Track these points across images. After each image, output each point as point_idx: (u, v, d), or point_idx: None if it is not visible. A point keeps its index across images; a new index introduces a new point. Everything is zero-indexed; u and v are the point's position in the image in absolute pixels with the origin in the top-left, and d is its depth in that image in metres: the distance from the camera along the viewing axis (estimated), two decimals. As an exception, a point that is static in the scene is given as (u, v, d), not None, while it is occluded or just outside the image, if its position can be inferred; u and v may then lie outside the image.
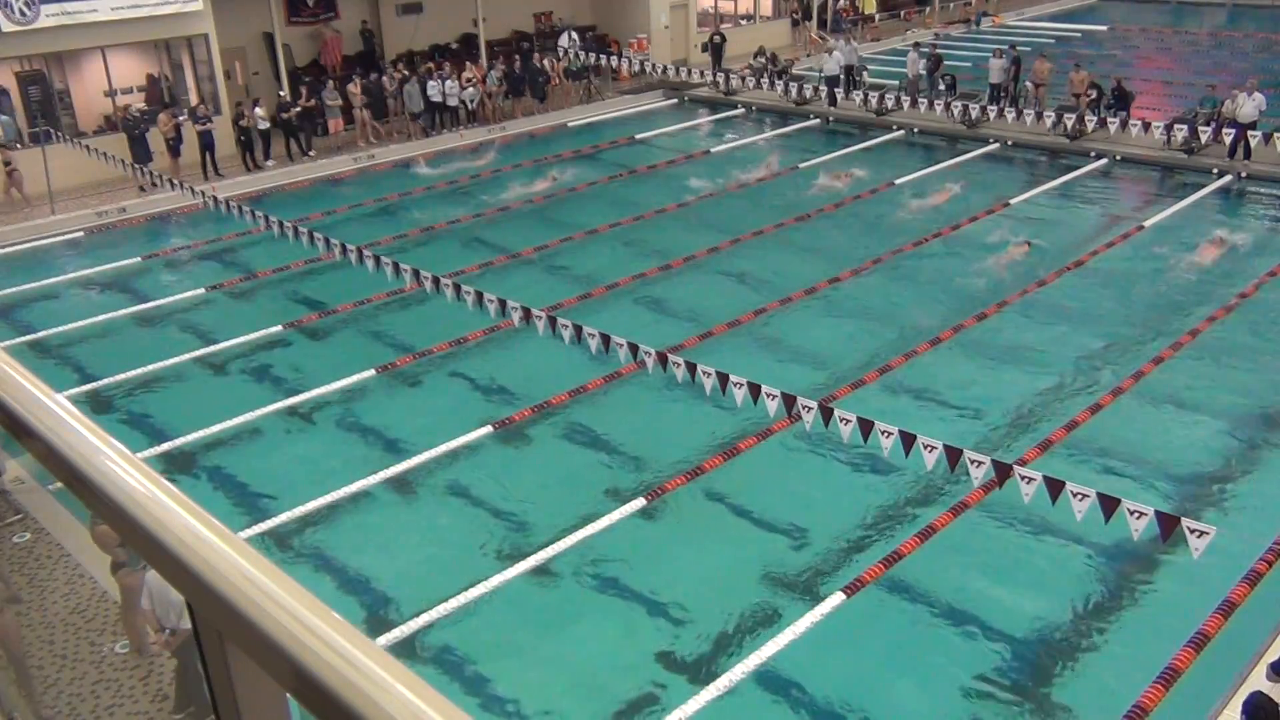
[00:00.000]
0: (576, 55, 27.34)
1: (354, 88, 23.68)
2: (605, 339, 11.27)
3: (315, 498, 10.66)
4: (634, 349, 11.18)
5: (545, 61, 26.83)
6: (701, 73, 27.38)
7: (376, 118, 24.26)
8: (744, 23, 34.02)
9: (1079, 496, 8.69)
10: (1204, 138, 21.08)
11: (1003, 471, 9.14)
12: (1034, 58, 25.76)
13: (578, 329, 11.53)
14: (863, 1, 34.42)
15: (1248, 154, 20.73)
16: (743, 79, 27.94)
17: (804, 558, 9.79)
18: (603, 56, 27.71)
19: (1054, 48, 33.98)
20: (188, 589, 1.10)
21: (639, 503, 10.53)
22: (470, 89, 24.72)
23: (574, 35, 28.12)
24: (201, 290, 16.53)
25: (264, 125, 22.09)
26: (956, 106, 23.63)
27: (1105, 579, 9.49)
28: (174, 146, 21.03)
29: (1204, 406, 12.41)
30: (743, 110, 27.31)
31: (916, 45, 27.28)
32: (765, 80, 27.16)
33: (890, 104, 25.44)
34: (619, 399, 12.89)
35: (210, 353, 14.24)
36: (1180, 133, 21.59)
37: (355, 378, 13.25)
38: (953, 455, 9.27)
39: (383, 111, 24.33)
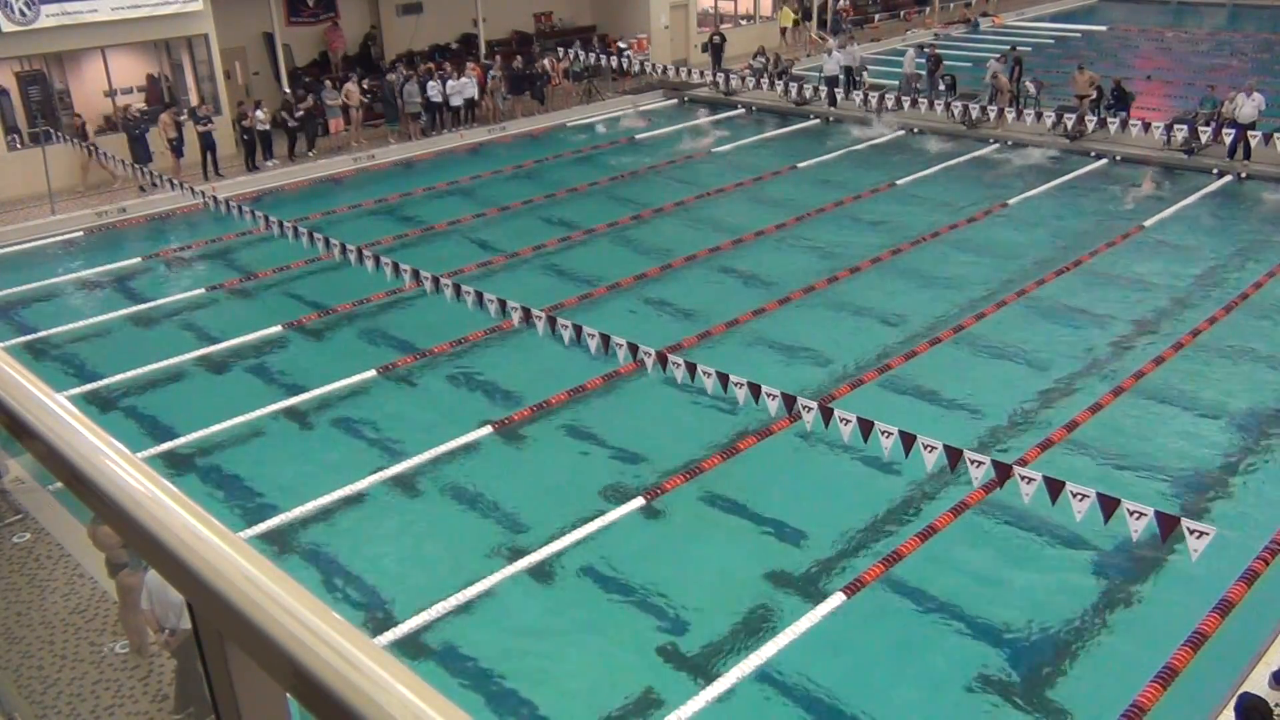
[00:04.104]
0: (577, 56, 27.36)
1: (351, 86, 23.66)
2: (605, 339, 11.27)
3: (315, 498, 10.67)
4: (634, 349, 11.18)
5: (545, 61, 26.84)
6: (701, 73, 27.38)
7: (389, 118, 24.26)
8: (744, 23, 34.02)
9: (1079, 496, 8.69)
10: (1204, 138, 21.09)
11: (1003, 471, 9.15)
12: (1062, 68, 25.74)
13: (578, 329, 11.54)
14: (779, 15, 33.97)
15: (1248, 154, 20.74)
16: (743, 79, 27.94)
17: (804, 557, 9.79)
18: (603, 56, 27.73)
19: (1054, 48, 34.05)
20: (188, 589, 1.10)
21: (639, 502, 10.53)
22: (466, 79, 24.65)
23: (623, 44, 28.45)
24: (201, 290, 16.52)
25: (264, 126, 22.08)
26: (956, 106, 23.63)
27: (1104, 579, 9.49)
28: (176, 147, 21.03)
29: (1204, 406, 12.42)
30: (743, 110, 27.31)
31: (921, 48, 27.29)
32: (765, 80, 27.17)
33: (890, 104, 25.44)
34: (619, 399, 12.89)
35: (210, 353, 14.24)
36: (1180, 133, 21.60)
37: (355, 378, 13.25)
38: (953, 455, 9.28)
39: (394, 113, 24.34)
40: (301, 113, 22.62)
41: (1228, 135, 20.75)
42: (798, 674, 8.36)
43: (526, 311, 11.94)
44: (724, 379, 10.47)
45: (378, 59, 26.76)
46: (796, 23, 35.10)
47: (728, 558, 9.87)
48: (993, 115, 23.46)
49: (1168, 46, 35.65)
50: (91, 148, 20.02)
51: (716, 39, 29.93)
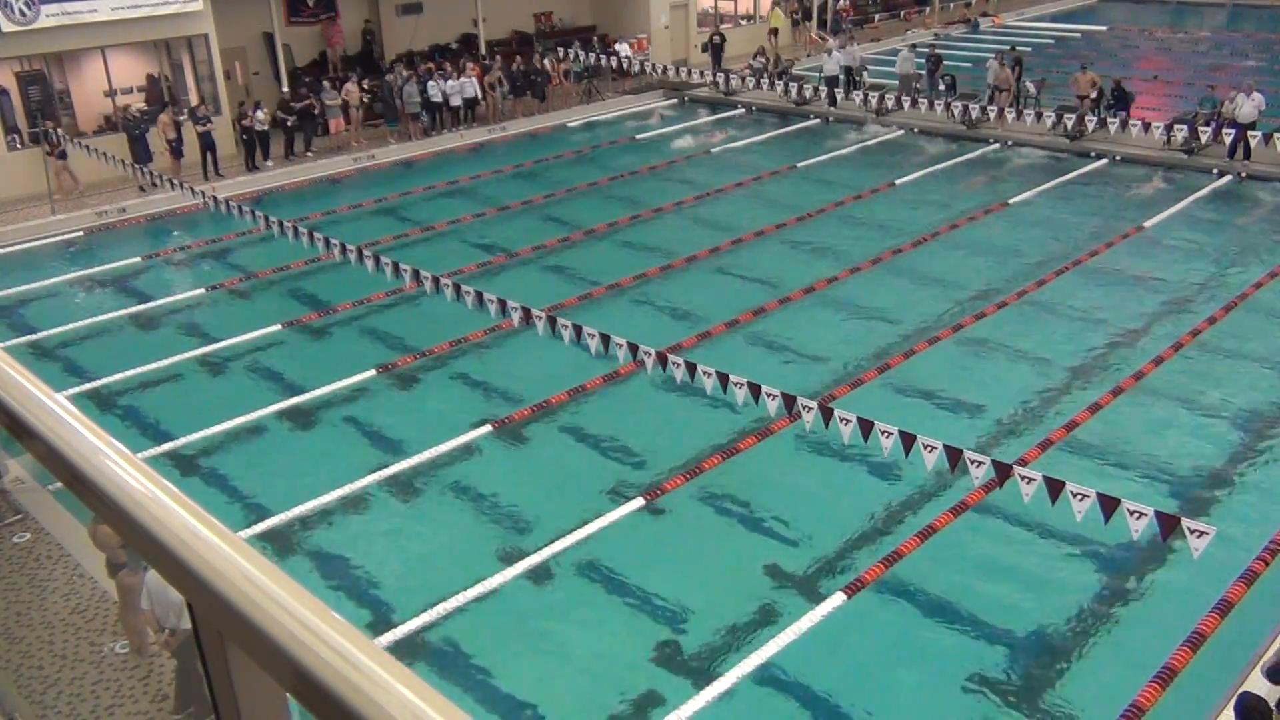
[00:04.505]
0: (578, 56, 27.36)
1: (351, 86, 23.67)
2: (605, 339, 11.26)
3: (315, 497, 10.67)
4: (634, 349, 11.18)
5: (545, 61, 26.84)
6: (701, 73, 27.38)
7: (389, 118, 24.30)
8: (744, 23, 34.02)
9: (1079, 496, 8.69)
10: (1204, 138, 21.08)
11: (1003, 471, 9.14)
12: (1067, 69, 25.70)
13: (578, 329, 11.53)
14: (770, 16, 33.73)
15: (1247, 154, 20.74)
16: (742, 79, 27.95)
17: (804, 557, 9.79)
18: (603, 56, 27.74)
19: (1054, 48, 34.06)
20: (188, 589, 1.10)
21: (639, 502, 10.53)
22: (466, 79, 24.66)
23: (626, 45, 28.42)
24: (201, 290, 16.53)
25: (263, 127, 22.07)
26: (956, 106, 23.63)
27: (1104, 579, 9.49)
28: (175, 147, 21.03)
29: (1204, 406, 12.42)
30: (743, 110, 27.31)
31: (913, 46, 27.27)
32: (765, 80, 27.18)
33: (890, 104, 25.46)
34: (619, 399, 12.89)
35: (210, 353, 14.24)
36: (1180, 133, 21.60)
37: (355, 378, 13.25)
38: (953, 455, 9.27)
39: (394, 112, 24.37)
40: (299, 109, 22.57)
41: (1228, 135, 20.75)
42: (798, 674, 8.36)
43: (526, 311, 11.94)
44: (724, 379, 10.46)
45: (378, 58, 26.76)
46: (797, 22, 35.09)
47: (727, 558, 9.87)
48: (993, 115, 23.45)
49: (1168, 46, 35.65)
50: (63, 153, 19.92)
51: (716, 39, 29.92)
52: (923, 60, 26.98)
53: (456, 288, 12.74)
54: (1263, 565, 9.33)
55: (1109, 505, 8.60)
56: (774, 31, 32.29)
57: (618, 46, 28.28)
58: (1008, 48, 27.41)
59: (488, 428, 12.01)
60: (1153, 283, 16.12)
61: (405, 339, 14.51)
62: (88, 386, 13.23)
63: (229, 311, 15.83)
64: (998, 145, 23.47)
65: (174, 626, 6.68)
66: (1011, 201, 19.86)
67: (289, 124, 22.52)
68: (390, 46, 27.28)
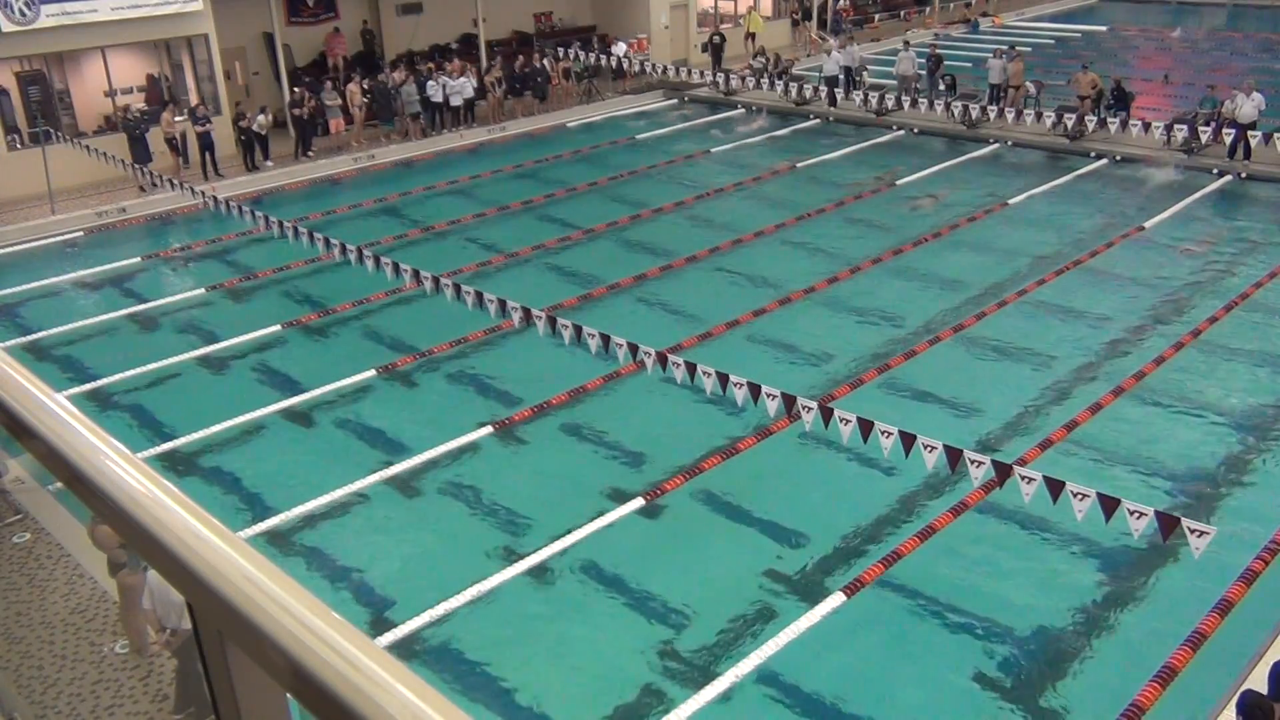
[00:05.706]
0: (578, 56, 27.36)
1: (353, 87, 23.68)
2: (605, 339, 11.26)
3: (315, 497, 10.67)
4: (634, 349, 11.18)
5: (545, 61, 26.85)
6: (701, 73, 27.38)
7: (384, 118, 24.31)
8: (744, 23, 33.97)
9: (1079, 496, 8.69)
10: (1204, 138, 21.08)
11: (1003, 471, 9.14)
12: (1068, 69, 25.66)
13: (578, 329, 11.54)
14: (748, 21, 33.43)
15: (1247, 154, 20.73)
16: (742, 79, 27.95)
17: (803, 557, 9.79)
18: (603, 56, 27.74)
19: (1054, 48, 34.06)
20: (188, 589, 1.10)
21: (638, 502, 10.53)
22: (465, 79, 24.67)
23: (624, 45, 28.38)
24: (201, 290, 16.52)
25: (262, 131, 22.03)
26: (956, 106, 23.63)
27: (1104, 579, 9.49)
28: (175, 147, 21.00)
29: (1204, 406, 12.42)
30: (743, 110, 27.31)
31: (907, 45, 27.23)
32: (765, 80, 27.18)
33: (890, 104, 25.46)
34: (619, 399, 12.89)
35: (210, 353, 14.24)
36: (1180, 133, 21.59)
37: (355, 378, 13.25)
38: (953, 455, 9.27)
39: (390, 113, 24.35)
40: (300, 113, 22.55)
41: (1228, 135, 20.75)
42: (798, 674, 8.36)
43: (526, 311, 11.94)
44: (724, 379, 10.46)
45: (378, 59, 26.75)
46: (796, 22, 35.07)
47: (727, 557, 9.87)
48: (993, 115, 23.44)
49: (1168, 46, 35.64)
50: None
51: (716, 39, 29.92)
52: (923, 60, 26.98)
53: (456, 288, 12.74)
54: (1262, 565, 9.33)
55: (1109, 505, 8.61)
56: (750, 36, 31.89)
57: (614, 47, 28.27)
58: (1007, 47, 27.40)
59: (488, 428, 12.01)
60: (1153, 282, 16.11)
61: (405, 339, 14.51)
62: (88, 386, 13.23)
63: (229, 311, 15.83)
64: (998, 145, 23.46)
65: (175, 626, 6.68)
66: (1011, 201, 19.85)
67: (293, 115, 22.41)
68: (390, 47, 27.28)
